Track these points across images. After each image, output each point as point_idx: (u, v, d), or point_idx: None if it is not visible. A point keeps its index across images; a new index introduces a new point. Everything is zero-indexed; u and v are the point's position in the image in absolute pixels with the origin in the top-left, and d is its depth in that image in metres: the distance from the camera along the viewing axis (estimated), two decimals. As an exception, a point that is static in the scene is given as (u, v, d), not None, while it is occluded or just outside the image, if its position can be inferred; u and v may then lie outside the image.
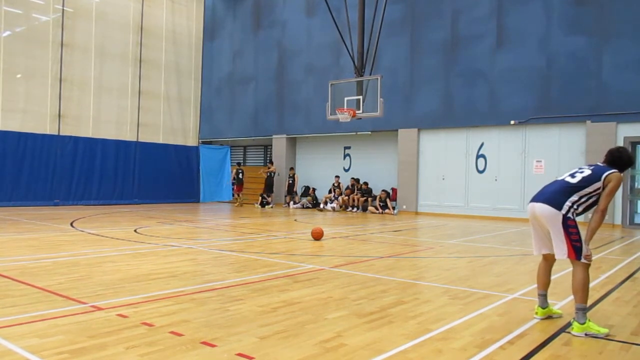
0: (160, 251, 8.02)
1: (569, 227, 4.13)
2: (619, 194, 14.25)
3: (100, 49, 18.65)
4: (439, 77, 17.78)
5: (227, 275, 6.18)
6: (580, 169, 4.43)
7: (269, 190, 21.03)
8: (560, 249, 4.18)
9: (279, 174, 21.94)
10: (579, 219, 4.24)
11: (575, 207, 4.19)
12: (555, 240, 4.21)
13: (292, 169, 21.52)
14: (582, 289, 4.12)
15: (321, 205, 19.88)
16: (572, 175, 4.36)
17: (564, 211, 4.15)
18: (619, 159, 4.40)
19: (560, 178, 4.46)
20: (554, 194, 4.27)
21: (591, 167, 4.37)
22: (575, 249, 4.12)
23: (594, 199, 4.25)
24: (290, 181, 21.12)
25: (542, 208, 4.25)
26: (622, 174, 4.31)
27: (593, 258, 4.30)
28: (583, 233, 4.18)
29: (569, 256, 4.15)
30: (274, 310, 4.55)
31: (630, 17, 14.38)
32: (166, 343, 3.59)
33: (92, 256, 7.39)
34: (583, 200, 4.22)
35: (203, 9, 22.34)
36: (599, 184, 4.21)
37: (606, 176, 4.21)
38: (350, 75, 16.97)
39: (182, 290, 5.25)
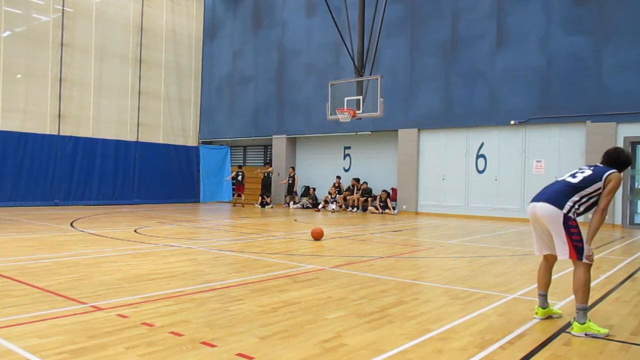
0: (160, 251, 8.02)
1: (570, 227, 4.12)
2: (619, 194, 14.25)
3: (100, 49, 18.65)
4: (439, 77, 17.78)
5: (227, 276, 6.18)
6: (580, 169, 4.44)
7: (266, 191, 21.06)
8: (562, 249, 4.16)
9: (278, 174, 21.94)
10: (579, 219, 4.24)
11: (576, 207, 4.19)
12: (556, 240, 4.20)
13: (292, 168, 21.51)
14: (583, 289, 4.12)
15: (320, 205, 19.87)
16: (573, 176, 4.36)
17: (565, 210, 4.14)
18: (617, 159, 4.39)
19: (561, 178, 4.45)
20: (555, 194, 4.26)
21: (592, 168, 4.37)
22: (577, 249, 4.11)
23: (594, 199, 4.24)
24: (290, 181, 21.13)
25: (543, 207, 4.24)
26: (621, 174, 4.30)
27: (594, 258, 4.30)
28: (584, 233, 4.17)
29: (570, 256, 4.14)
30: (274, 311, 4.55)
31: (630, 17, 14.38)
32: (166, 343, 3.59)
33: (92, 256, 7.39)
34: (584, 200, 4.22)
35: (203, 9, 22.34)
36: (599, 184, 4.21)
37: (607, 176, 4.21)
38: (350, 75, 16.97)
39: (182, 290, 5.25)
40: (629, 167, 4.61)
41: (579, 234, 4.13)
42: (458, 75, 17.37)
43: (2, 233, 9.83)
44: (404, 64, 18.58)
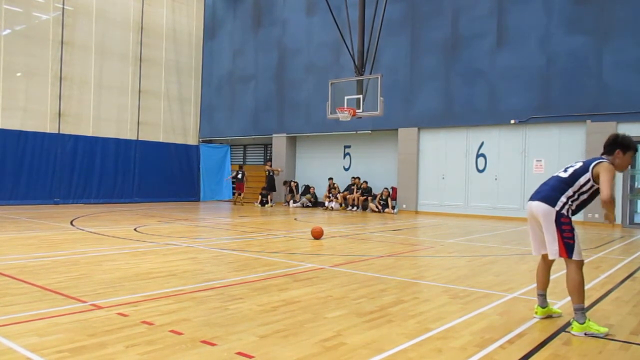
0: (160, 250, 8.02)
1: (562, 224, 4.09)
2: (618, 193, 14.23)
3: (100, 47, 18.64)
4: (439, 76, 17.77)
5: (227, 274, 6.18)
6: (575, 163, 4.39)
7: (270, 189, 21.10)
8: (552, 247, 4.13)
9: (281, 170, 21.93)
10: (578, 218, 4.22)
11: (570, 202, 4.15)
12: (547, 237, 4.17)
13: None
14: (577, 289, 4.09)
15: (326, 204, 19.83)
16: (565, 170, 4.33)
17: (557, 207, 4.12)
18: (615, 139, 4.23)
19: (555, 174, 4.43)
20: (549, 191, 4.24)
21: (583, 161, 4.33)
22: (567, 246, 4.07)
23: (587, 194, 4.18)
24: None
25: (538, 206, 4.22)
26: (611, 165, 4.08)
27: (590, 259, 4.28)
28: (580, 232, 4.13)
29: (560, 254, 4.10)
30: (274, 309, 4.55)
31: (630, 17, 14.37)
32: (166, 342, 3.59)
33: (92, 255, 7.39)
34: (577, 195, 4.17)
35: (203, 7, 22.32)
36: (587, 175, 4.13)
37: (594, 166, 4.12)
38: (350, 74, 16.96)
39: (182, 289, 5.25)
40: (631, 146, 4.38)
41: (571, 231, 4.09)
42: (458, 74, 17.36)
43: (2, 231, 9.83)
44: (404, 63, 18.57)
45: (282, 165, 22.04)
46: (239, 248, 8.49)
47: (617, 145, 4.23)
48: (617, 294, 5.66)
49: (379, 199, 18.75)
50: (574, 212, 4.23)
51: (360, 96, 14.74)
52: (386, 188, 18.80)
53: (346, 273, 6.43)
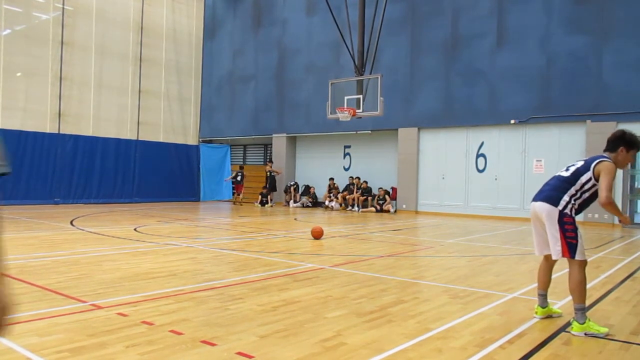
0: (160, 250, 8.02)
1: (565, 224, 4.07)
2: (619, 193, 14.23)
3: (100, 47, 18.63)
4: (439, 76, 17.77)
5: (227, 274, 6.18)
6: (577, 161, 4.38)
7: (270, 189, 21.12)
8: (555, 247, 4.11)
9: (278, 174, 21.94)
10: (578, 218, 4.20)
11: (573, 201, 4.14)
12: (550, 237, 4.15)
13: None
14: (578, 289, 4.08)
15: (326, 203, 19.85)
16: (567, 169, 4.32)
17: (560, 207, 4.11)
18: (621, 136, 4.20)
19: (557, 173, 4.42)
20: (551, 191, 4.23)
21: (585, 159, 4.30)
22: (570, 246, 4.05)
23: (589, 193, 4.16)
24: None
25: (541, 207, 4.22)
26: (613, 164, 4.09)
27: (593, 257, 4.28)
28: (582, 232, 4.13)
29: (563, 254, 4.09)
30: (274, 309, 4.55)
31: (630, 17, 14.37)
32: (166, 342, 3.59)
33: (92, 255, 7.39)
34: (580, 194, 4.15)
35: (203, 7, 22.32)
36: (589, 174, 4.12)
37: (595, 165, 4.10)
38: (350, 74, 16.96)
39: (182, 289, 5.25)
40: (636, 146, 4.34)
41: (574, 231, 4.08)
42: (458, 74, 17.36)
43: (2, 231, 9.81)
44: (404, 63, 18.57)
45: (282, 165, 22.04)
46: (239, 248, 8.49)
47: (622, 142, 4.21)
48: (617, 294, 5.66)
49: (377, 199, 18.78)
50: (578, 211, 4.21)
51: (360, 96, 14.74)
52: (381, 188, 18.85)
53: (346, 273, 6.43)
